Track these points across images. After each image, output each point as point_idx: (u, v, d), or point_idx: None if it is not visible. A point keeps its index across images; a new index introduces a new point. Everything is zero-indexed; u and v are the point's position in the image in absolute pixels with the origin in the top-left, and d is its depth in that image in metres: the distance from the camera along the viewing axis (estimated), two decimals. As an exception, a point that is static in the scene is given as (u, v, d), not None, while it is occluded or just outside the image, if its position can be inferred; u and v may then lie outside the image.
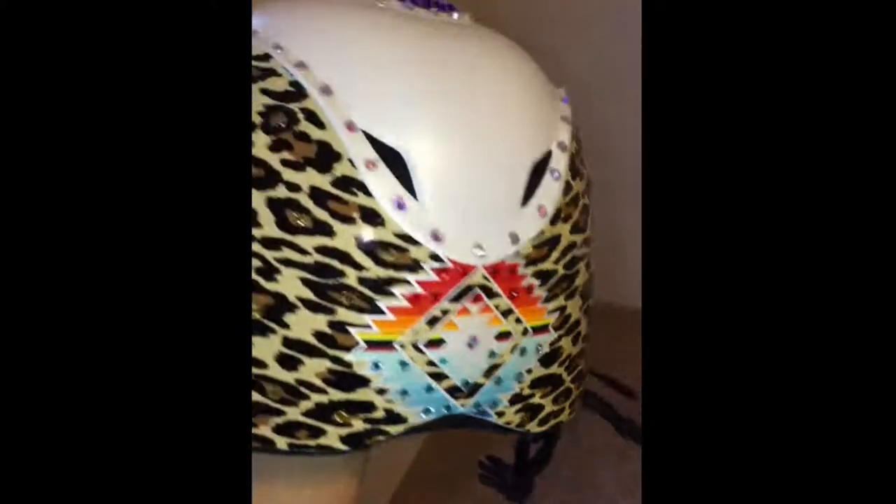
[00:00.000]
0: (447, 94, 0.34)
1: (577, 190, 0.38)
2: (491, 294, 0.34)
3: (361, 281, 0.32)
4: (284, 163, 0.33)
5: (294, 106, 0.33)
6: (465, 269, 0.33)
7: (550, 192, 0.36)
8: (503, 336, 0.35)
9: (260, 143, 0.33)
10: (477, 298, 0.34)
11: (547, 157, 0.36)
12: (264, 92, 0.34)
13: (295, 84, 0.33)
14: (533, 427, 0.37)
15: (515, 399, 0.36)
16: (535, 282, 0.35)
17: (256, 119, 0.33)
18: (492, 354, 0.35)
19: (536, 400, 0.37)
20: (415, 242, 0.33)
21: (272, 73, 0.34)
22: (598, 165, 0.53)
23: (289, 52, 0.34)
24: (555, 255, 0.36)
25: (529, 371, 0.36)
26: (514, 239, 0.34)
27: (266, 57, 0.34)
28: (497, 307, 0.34)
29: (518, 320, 0.35)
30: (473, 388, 0.35)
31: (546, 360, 0.37)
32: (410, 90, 0.34)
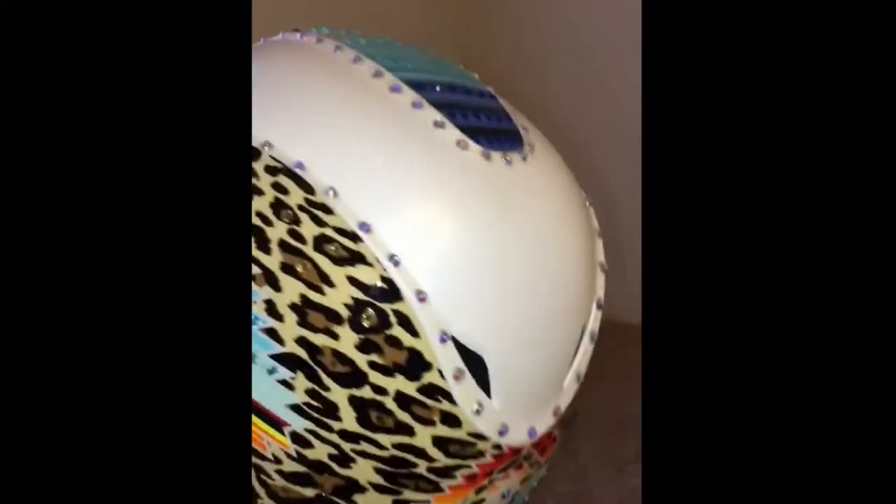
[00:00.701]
0: (522, 282, 0.34)
1: None
2: (528, 457, 0.38)
3: (430, 469, 0.34)
4: (373, 365, 0.32)
5: (387, 307, 0.32)
6: (517, 450, 0.36)
7: (586, 355, 0.38)
8: (526, 480, 0.39)
9: (346, 339, 0.32)
10: (519, 466, 0.37)
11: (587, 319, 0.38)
12: (353, 282, 0.32)
13: (389, 282, 0.32)
14: None
15: None
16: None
17: (343, 311, 0.32)
18: (516, 495, 0.39)
19: (526, 498, 0.42)
20: (484, 438, 0.35)
21: (362, 259, 0.32)
22: (598, 176, 0.53)
23: (379, 238, 0.32)
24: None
25: (532, 486, 0.41)
26: (556, 411, 0.37)
27: (354, 237, 0.32)
28: (529, 465, 0.38)
29: (539, 463, 0.39)
30: None
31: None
32: (494, 290, 0.33)
